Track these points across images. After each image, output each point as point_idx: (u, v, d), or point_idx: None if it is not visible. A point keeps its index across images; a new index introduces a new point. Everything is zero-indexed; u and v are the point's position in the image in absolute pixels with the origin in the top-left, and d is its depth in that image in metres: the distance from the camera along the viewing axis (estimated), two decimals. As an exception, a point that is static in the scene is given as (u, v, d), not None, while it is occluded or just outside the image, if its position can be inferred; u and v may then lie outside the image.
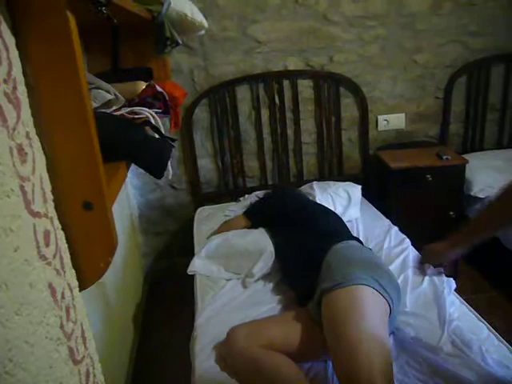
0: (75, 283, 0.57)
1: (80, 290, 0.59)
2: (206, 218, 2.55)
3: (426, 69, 2.81)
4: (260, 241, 2.03)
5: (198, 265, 2.08)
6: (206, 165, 2.81)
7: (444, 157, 2.56)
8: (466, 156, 2.72)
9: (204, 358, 1.54)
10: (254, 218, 2.21)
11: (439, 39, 2.75)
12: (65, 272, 0.54)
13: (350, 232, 1.97)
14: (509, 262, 2.53)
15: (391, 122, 2.88)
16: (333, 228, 1.94)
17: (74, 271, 0.58)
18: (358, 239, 1.86)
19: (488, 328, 1.61)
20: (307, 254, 1.77)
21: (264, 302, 1.82)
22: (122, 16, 1.07)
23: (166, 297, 2.70)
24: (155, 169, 0.83)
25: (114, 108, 1.01)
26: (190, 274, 2.07)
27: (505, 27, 2.77)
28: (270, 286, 1.94)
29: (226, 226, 2.25)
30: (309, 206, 2.16)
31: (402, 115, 2.88)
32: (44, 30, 0.52)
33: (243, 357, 1.43)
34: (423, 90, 2.85)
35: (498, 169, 2.68)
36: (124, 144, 0.77)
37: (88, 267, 0.62)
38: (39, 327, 0.45)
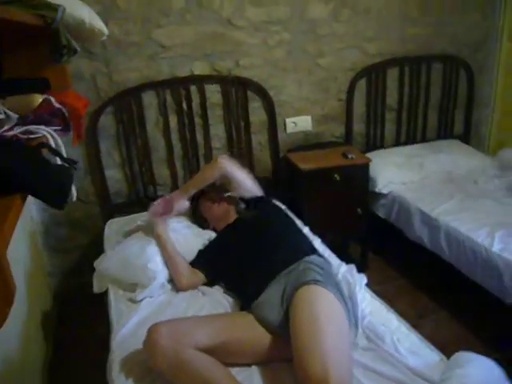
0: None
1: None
2: (117, 231, 2.44)
3: (329, 72, 2.92)
4: (158, 263, 1.96)
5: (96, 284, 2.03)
6: (114, 175, 2.69)
7: (349, 156, 2.68)
8: (368, 154, 2.88)
9: (122, 382, 1.47)
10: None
11: (339, 44, 2.87)
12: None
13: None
14: (412, 251, 2.72)
15: (299, 124, 2.96)
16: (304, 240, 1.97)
17: (-36, 327, 0.51)
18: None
19: (397, 318, 1.71)
20: (270, 263, 1.76)
21: (183, 315, 1.77)
22: (4, 24, 0.98)
23: (78, 316, 2.55)
24: (55, 200, 0.76)
25: (5, 128, 0.92)
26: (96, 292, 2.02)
27: (397, 34, 2.97)
28: (190, 300, 1.88)
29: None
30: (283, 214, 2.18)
31: (309, 117, 2.97)
32: None
33: (166, 356, 1.37)
34: (327, 92, 2.96)
35: (397, 165, 2.88)
36: (17, 174, 0.69)
37: (-18, 320, 0.55)
38: None
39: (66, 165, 0.87)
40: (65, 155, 0.92)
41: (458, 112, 3.29)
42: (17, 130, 0.92)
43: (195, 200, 2.27)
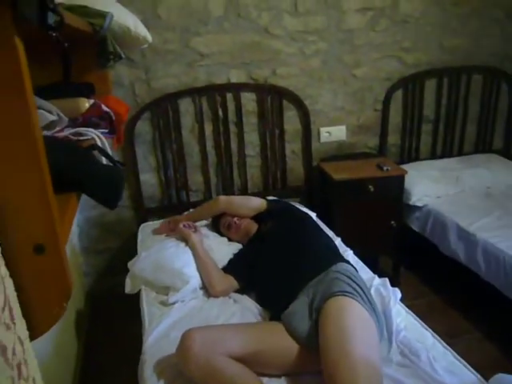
0: (26, 334, 0.51)
1: (30, 340, 0.53)
2: (150, 235, 2.47)
3: (365, 82, 2.90)
4: (192, 268, 1.98)
5: (128, 285, 2.06)
6: (148, 179, 2.73)
7: (384, 168, 2.64)
8: (403, 166, 2.83)
9: (154, 383, 1.47)
10: (272, 205, 2.20)
11: (376, 54, 2.85)
12: (15, 324, 0.48)
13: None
14: (446, 267, 2.65)
15: (333, 133, 2.94)
16: (331, 247, 1.95)
17: (24, 321, 0.52)
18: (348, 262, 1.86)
19: (433, 335, 1.67)
20: (298, 273, 1.75)
21: (214, 321, 1.78)
22: (66, 31, 1.00)
23: (110, 316, 2.59)
24: (108, 199, 0.78)
25: (57, 129, 0.94)
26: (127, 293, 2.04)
27: (435, 44, 2.93)
28: (222, 306, 1.88)
29: (244, 198, 2.31)
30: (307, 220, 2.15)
31: (343, 127, 2.95)
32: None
33: (199, 363, 1.37)
34: (362, 102, 2.94)
35: (433, 178, 2.82)
36: (74, 173, 0.71)
37: (40, 314, 0.56)
38: (-10, 396, 0.40)
39: (118, 166, 0.89)
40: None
41: (498, 126, 3.21)
42: (67, 132, 0.95)
43: (215, 227, 2.35)
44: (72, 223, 0.70)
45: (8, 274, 0.49)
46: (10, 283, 0.49)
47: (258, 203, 2.21)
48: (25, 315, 0.52)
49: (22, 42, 0.49)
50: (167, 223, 2.41)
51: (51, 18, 0.57)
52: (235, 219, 2.21)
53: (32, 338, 0.53)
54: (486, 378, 1.42)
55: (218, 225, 2.30)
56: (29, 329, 0.52)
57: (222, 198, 2.28)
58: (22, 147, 0.52)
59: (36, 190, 0.54)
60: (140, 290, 2.03)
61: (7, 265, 0.49)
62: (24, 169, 0.53)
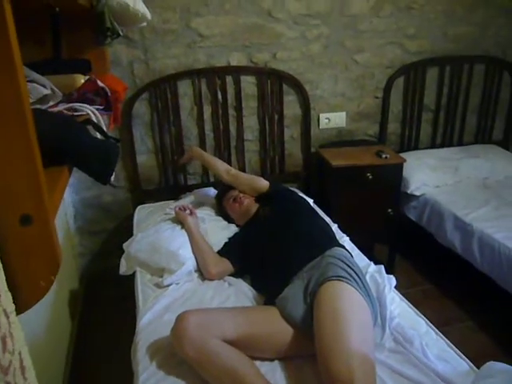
0: (12, 307, 0.50)
1: (17, 314, 0.52)
2: (146, 217, 2.46)
3: (366, 68, 2.87)
4: (187, 250, 1.98)
5: (123, 266, 2.05)
6: (145, 161, 2.71)
7: (383, 155, 2.63)
8: (402, 154, 2.82)
9: (147, 365, 1.47)
10: (273, 189, 2.19)
11: (379, 40, 2.82)
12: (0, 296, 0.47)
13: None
14: (440, 255, 2.66)
15: (333, 120, 2.92)
16: (327, 232, 1.94)
17: (10, 294, 0.51)
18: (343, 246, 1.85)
19: (426, 323, 1.67)
20: (295, 258, 1.74)
21: (208, 304, 1.78)
22: (58, 2, 0.98)
23: (104, 298, 2.59)
24: (101, 173, 0.76)
25: (51, 104, 0.92)
26: (122, 274, 2.04)
27: (439, 32, 2.89)
28: (216, 289, 1.88)
29: (248, 177, 2.30)
30: (305, 205, 2.14)
31: (343, 114, 2.93)
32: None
33: (194, 345, 1.37)
34: (363, 89, 2.91)
35: (432, 167, 2.81)
36: (66, 145, 0.69)
37: (27, 287, 0.54)
38: (-28, 368, 0.39)
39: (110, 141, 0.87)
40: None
41: (499, 117, 3.19)
42: (61, 107, 0.92)
43: (219, 198, 2.35)
44: (62, 195, 0.69)
45: (-7, 244, 0.48)
46: (-5, 254, 0.48)
47: (262, 185, 2.20)
48: (11, 288, 0.51)
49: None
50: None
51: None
52: (241, 194, 2.21)
53: (19, 311, 0.52)
54: (478, 366, 1.42)
55: (223, 197, 2.31)
56: (15, 302, 0.51)
57: (233, 171, 2.30)
58: (8, 115, 0.50)
59: (23, 158, 0.52)
60: (135, 272, 2.02)
61: (-7, 235, 0.47)
62: (11, 137, 0.51)
